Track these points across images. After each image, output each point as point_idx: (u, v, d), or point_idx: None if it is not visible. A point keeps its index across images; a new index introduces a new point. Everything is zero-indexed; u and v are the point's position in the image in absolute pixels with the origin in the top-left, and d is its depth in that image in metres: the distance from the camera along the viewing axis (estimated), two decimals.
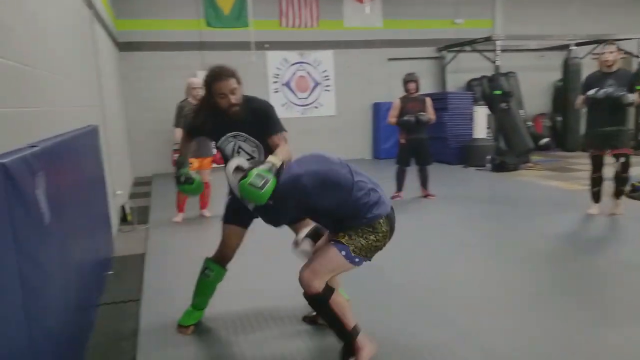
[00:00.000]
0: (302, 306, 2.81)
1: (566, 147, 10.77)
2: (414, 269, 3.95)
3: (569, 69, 10.35)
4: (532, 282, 3.68)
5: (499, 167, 8.72)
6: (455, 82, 11.65)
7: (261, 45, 10.36)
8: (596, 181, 5.47)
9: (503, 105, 10.53)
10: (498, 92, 9.70)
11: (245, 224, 2.98)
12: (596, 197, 5.52)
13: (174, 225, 5.78)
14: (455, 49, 11.14)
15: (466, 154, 9.62)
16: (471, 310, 3.15)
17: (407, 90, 6.65)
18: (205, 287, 3.04)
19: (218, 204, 6.34)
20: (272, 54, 10.69)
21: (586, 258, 4.15)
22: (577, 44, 10.47)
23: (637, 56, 10.80)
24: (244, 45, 10.08)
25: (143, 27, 9.92)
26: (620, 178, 5.34)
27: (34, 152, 2.17)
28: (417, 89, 6.65)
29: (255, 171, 2.36)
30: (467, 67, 11.40)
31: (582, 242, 4.73)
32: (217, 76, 2.74)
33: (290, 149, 2.76)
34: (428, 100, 6.61)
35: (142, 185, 8.70)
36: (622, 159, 5.25)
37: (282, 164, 2.50)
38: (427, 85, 11.72)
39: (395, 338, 2.81)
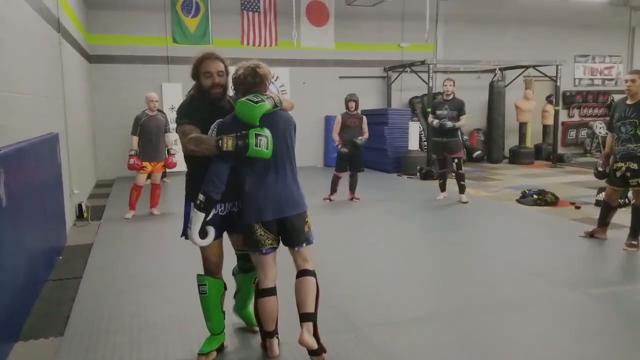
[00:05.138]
0: None
1: (492, 159, 12.02)
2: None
3: (494, 90, 11.65)
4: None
5: (426, 175, 9.87)
6: (399, 99, 12.84)
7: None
8: (442, 176, 7.89)
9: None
10: (429, 110, 10.87)
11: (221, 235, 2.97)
12: (443, 187, 7.91)
13: (124, 221, 6.67)
14: (399, 69, 12.31)
15: (402, 164, 10.75)
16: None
17: (347, 107, 7.73)
18: (207, 305, 2.92)
19: (165, 203, 7.30)
20: (232, 69, 11.67)
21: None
22: (501, 69, 11.79)
23: (555, 80, 12.02)
24: None
25: (114, 41, 10.89)
26: (458, 174, 7.58)
27: None
28: (356, 107, 7.73)
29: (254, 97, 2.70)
30: (410, 86, 12.56)
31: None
32: (205, 56, 2.84)
33: None
34: (364, 119, 7.75)
35: (103, 187, 9.56)
36: (456, 160, 7.55)
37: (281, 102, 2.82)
38: (374, 101, 12.89)
39: None
